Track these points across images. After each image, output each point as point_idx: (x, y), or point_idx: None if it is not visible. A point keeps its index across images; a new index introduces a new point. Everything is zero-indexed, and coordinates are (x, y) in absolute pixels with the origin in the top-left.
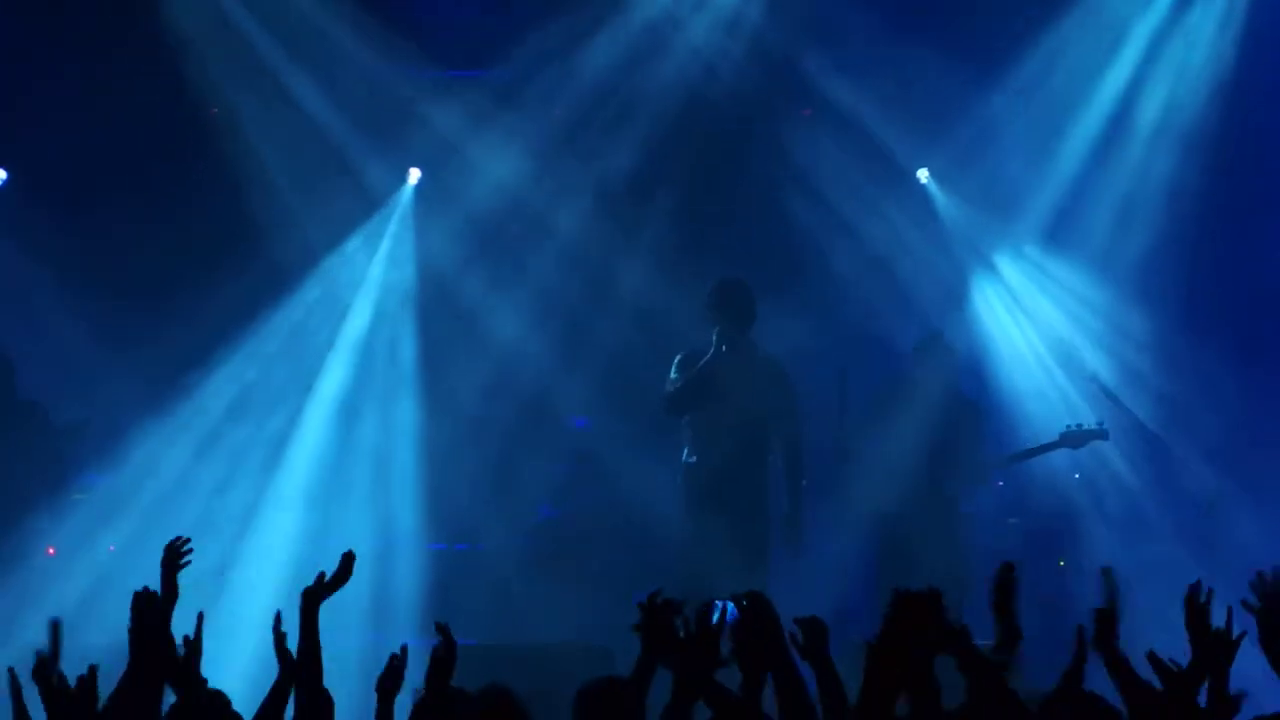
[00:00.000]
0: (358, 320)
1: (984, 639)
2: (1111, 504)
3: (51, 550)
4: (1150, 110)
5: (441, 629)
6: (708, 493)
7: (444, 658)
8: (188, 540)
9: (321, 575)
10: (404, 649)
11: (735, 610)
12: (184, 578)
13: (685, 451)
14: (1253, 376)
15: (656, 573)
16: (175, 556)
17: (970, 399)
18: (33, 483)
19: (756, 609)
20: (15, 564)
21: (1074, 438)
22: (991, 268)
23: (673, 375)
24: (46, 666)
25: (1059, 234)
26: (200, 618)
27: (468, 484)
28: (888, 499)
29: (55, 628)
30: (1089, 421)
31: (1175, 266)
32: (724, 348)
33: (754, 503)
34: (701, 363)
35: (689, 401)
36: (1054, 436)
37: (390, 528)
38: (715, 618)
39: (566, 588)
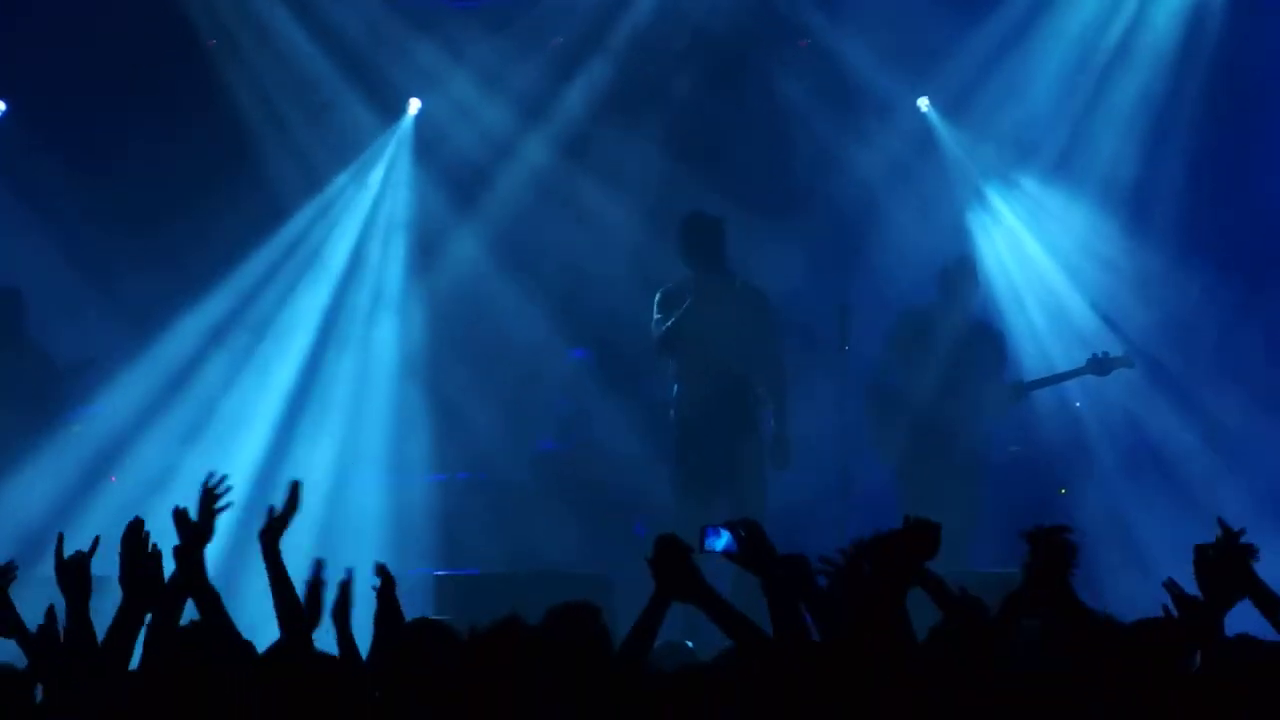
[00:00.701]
0: (359, 250)
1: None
2: (1113, 432)
3: (113, 478)
4: (1145, 33)
5: (380, 569)
6: (699, 423)
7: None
8: (224, 479)
9: (271, 511)
10: (349, 573)
11: (731, 538)
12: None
13: (674, 385)
14: (1254, 301)
15: (655, 503)
16: (212, 498)
17: (994, 326)
18: (31, 416)
19: (752, 537)
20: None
21: (1100, 365)
22: (991, 197)
23: (656, 315)
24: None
25: (1058, 162)
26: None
27: (470, 415)
28: (911, 441)
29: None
30: (1115, 349)
31: (1175, 194)
32: (706, 284)
33: (744, 429)
34: (680, 312)
35: (676, 344)
36: (1080, 363)
37: (391, 459)
38: (709, 544)
39: (567, 518)
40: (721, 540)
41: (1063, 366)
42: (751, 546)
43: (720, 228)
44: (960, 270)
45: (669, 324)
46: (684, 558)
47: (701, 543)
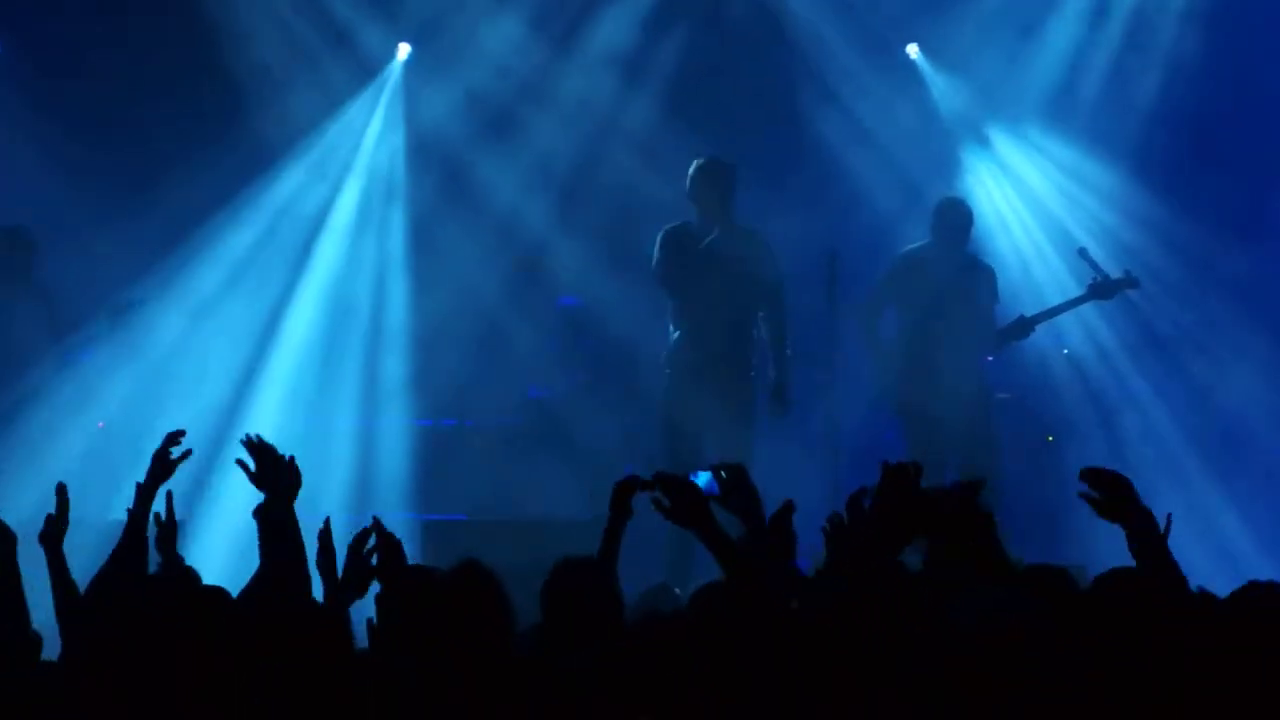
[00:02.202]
0: (348, 194)
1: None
2: (1100, 381)
3: (101, 424)
4: None
5: (375, 523)
6: (695, 366)
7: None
8: (182, 433)
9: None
10: (327, 521)
11: (712, 480)
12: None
13: (672, 326)
14: (1247, 250)
15: (644, 449)
16: (169, 445)
17: (985, 262)
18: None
19: (735, 480)
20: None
21: (1102, 289)
22: (981, 143)
23: (659, 254)
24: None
25: (1050, 109)
26: (169, 497)
27: (456, 360)
28: (919, 385)
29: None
30: (1115, 271)
31: (1169, 140)
32: (714, 230)
33: (740, 374)
34: (695, 252)
35: (681, 284)
36: (1081, 290)
37: (377, 403)
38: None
39: (554, 463)
40: (701, 482)
41: (1055, 302)
42: (734, 489)
43: (734, 174)
44: (952, 210)
45: (673, 265)
46: (647, 487)
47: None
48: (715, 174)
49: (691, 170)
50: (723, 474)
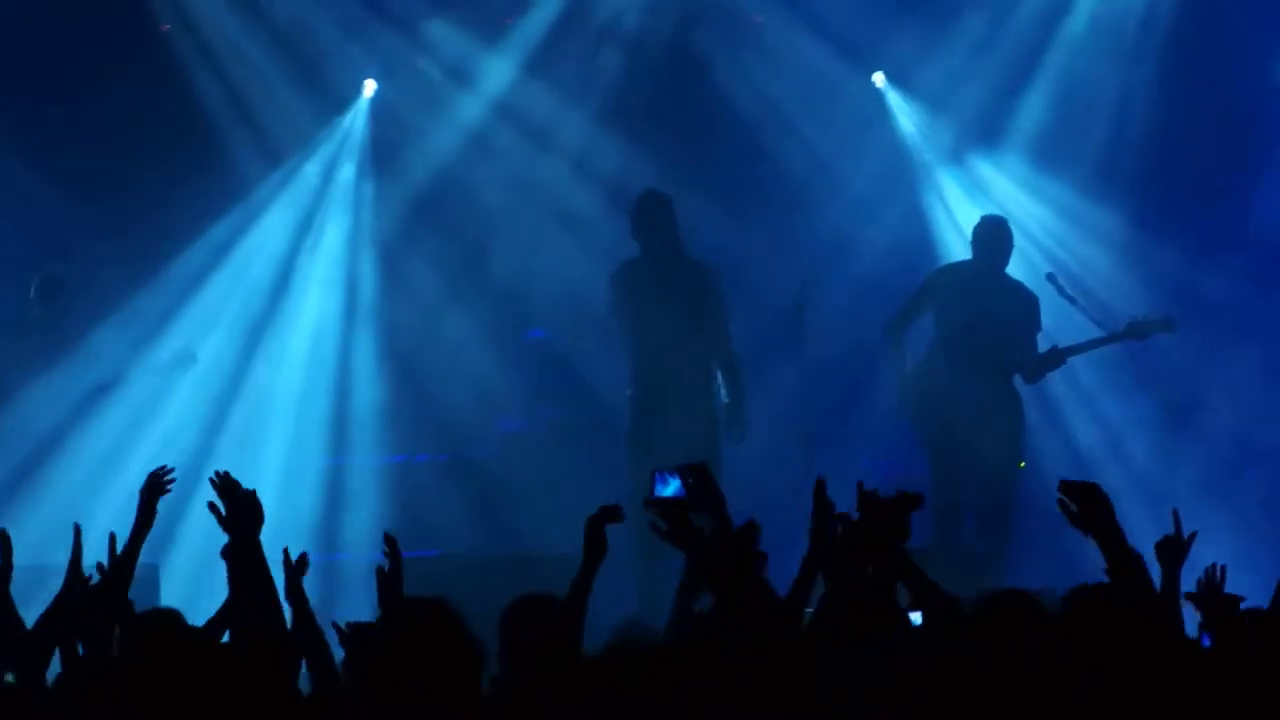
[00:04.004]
0: (314, 231)
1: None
2: (1070, 407)
3: None
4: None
5: (389, 542)
6: (653, 399)
7: (392, 574)
8: (170, 470)
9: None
10: (303, 555)
11: (680, 485)
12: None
13: (630, 361)
14: (1210, 271)
15: (617, 481)
16: (157, 487)
17: (1029, 289)
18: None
19: (700, 481)
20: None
21: (1139, 328)
22: (948, 170)
23: (608, 293)
24: None
25: (1014, 135)
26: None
27: (427, 394)
28: (945, 406)
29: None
30: (1155, 313)
31: (1130, 163)
32: (660, 263)
33: (700, 401)
34: (643, 286)
35: (633, 319)
36: (1119, 325)
37: (348, 440)
38: (658, 491)
39: (528, 498)
40: (670, 487)
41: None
42: (700, 490)
43: (669, 205)
44: (992, 229)
45: (625, 303)
46: (617, 518)
47: (651, 489)
48: (651, 207)
49: (632, 205)
50: (690, 479)
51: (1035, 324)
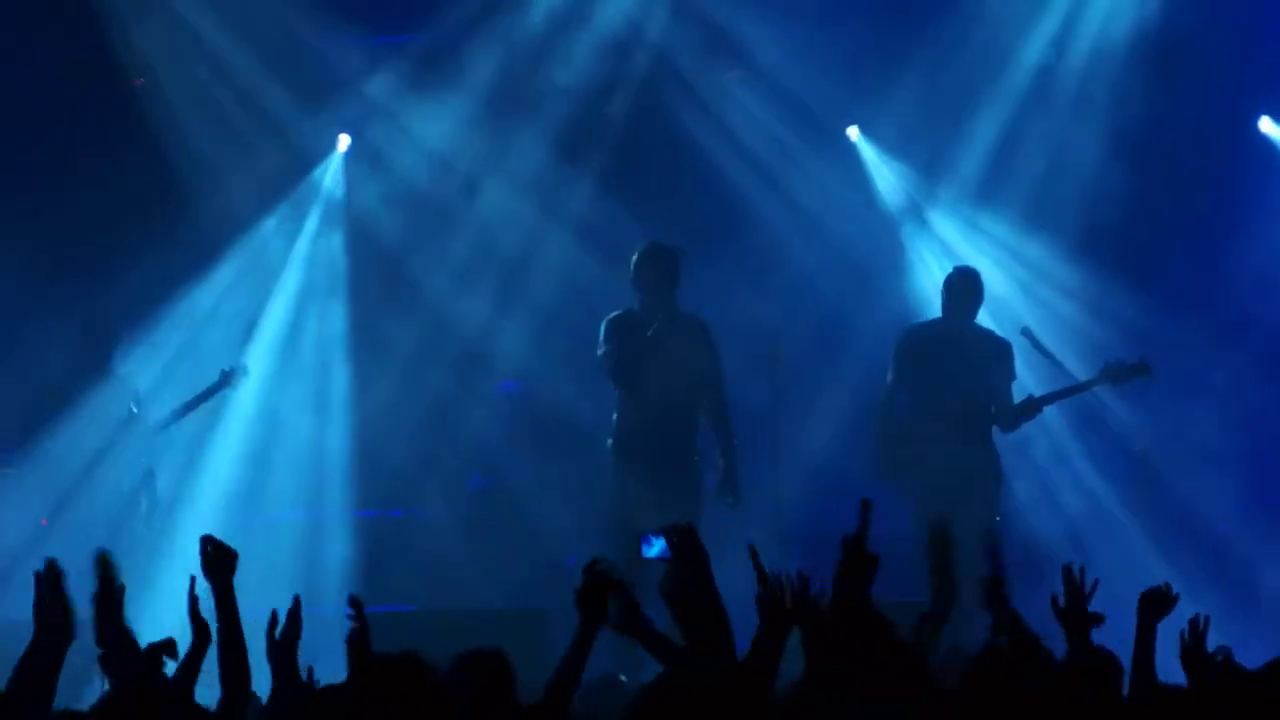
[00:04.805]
0: (287, 288)
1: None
2: (1041, 453)
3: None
4: (1078, 59)
5: (354, 603)
6: (637, 453)
7: (359, 636)
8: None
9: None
10: (295, 599)
11: (665, 545)
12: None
13: (616, 415)
14: (1184, 324)
15: (588, 537)
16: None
17: (1001, 337)
18: None
19: (686, 543)
20: None
21: (1114, 373)
22: (922, 223)
23: (602, 342)
24: None
25: (988, 188)
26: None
27: (400, 450)
28: (927, 466)
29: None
30: (1130, 357)
31: (1106, 217)
32: (658, 319)
33: (685, 461)
34: (640, 341)
35: (625, 373)
36: (1093, 373)
37: (321, 494)
38: (645, 552)
39: (500, 553)
40: (656, 548)
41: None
42: (685, 551)
43: (677, 261)
44: (958, 281)
45: (617, 354)
46: (615, 587)
47: (639, 550)
48: (658, 260)
49: (635, 256)
50: (675, 538)
51: (1009, 372)
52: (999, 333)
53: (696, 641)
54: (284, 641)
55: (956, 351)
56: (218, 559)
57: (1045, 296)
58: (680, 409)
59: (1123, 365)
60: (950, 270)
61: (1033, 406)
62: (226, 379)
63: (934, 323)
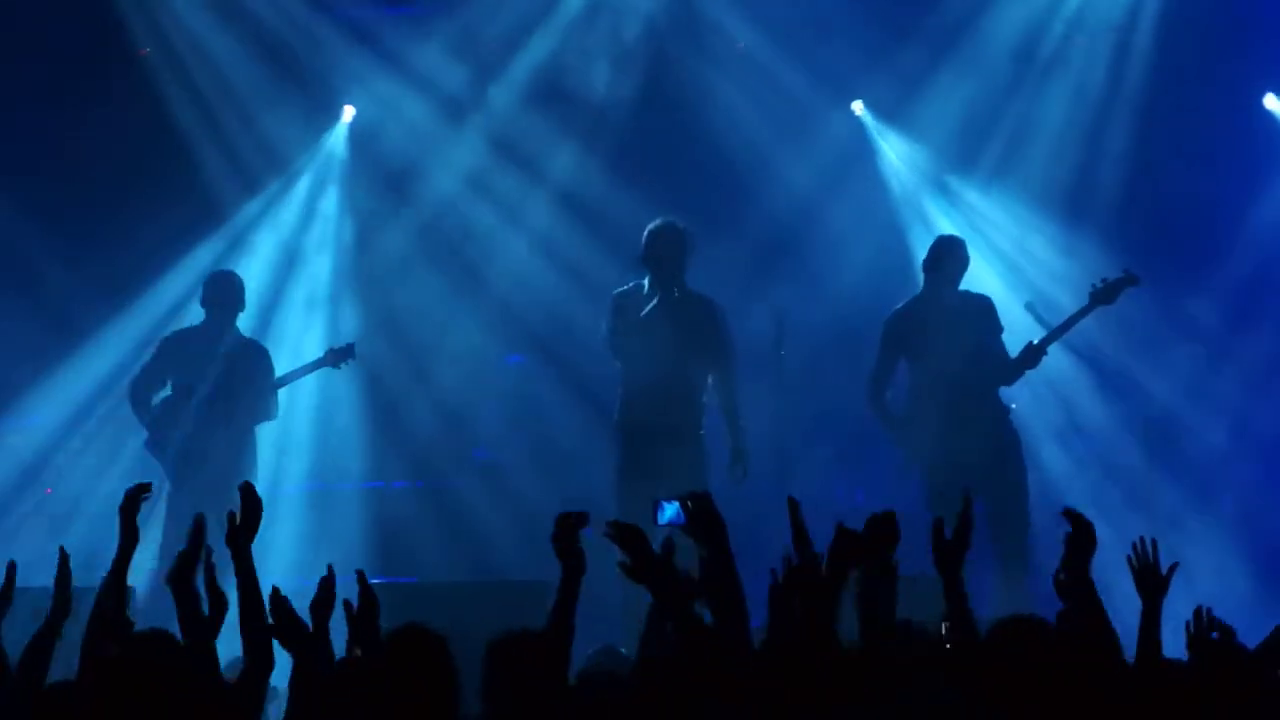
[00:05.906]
0: (292, 257)
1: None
2: (1048, 428)
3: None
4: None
5: (360, 577)
6: (642, 428)
7: (365, 608)
8: (148, 486)
9: (232, 517)
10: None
11: (679, 511)
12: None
13: (621, 390)
14: (1192, 299)
15: (598, 507)
16: (134, 502)
17: (978, 294)
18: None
19: (701, 509)
20: None
21: (1104, 294)
22: (929, 198)
23: (609, 318)
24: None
25: (995, 163)
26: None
27: (406, 422)
28: (941, 439)
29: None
30: (1113, 273)
31: (1113, 194)
32: (664, 295)
33: (689, 437)
34: (644, 314)
35: (629, 348)
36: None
37: (327, 466)
38: (659, 518)
39: (508, 525)
40: (669, 512)
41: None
42: (699, 518)
43: (688, 238)
44: (939, 248)
45: (622, 329)
46: (584, 523)
47: (654, 516)
48: (669, 237)
49: (646, 233)
50: (689, 504)
51: (996, 327)
52: (976, 290)
53: (714, 610)
54: (364, 609)
55: (943, 318)
56: (245, 521)
57: (1049, 271)
58: (683, 387)
59: (1109, 284)
60: (939, 238)
61: (1035, 351)
62: (335, 357)
63: (917, 298)
